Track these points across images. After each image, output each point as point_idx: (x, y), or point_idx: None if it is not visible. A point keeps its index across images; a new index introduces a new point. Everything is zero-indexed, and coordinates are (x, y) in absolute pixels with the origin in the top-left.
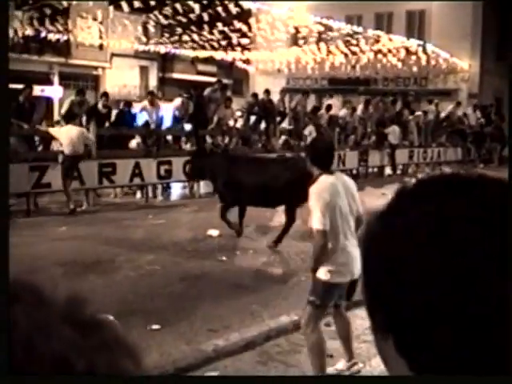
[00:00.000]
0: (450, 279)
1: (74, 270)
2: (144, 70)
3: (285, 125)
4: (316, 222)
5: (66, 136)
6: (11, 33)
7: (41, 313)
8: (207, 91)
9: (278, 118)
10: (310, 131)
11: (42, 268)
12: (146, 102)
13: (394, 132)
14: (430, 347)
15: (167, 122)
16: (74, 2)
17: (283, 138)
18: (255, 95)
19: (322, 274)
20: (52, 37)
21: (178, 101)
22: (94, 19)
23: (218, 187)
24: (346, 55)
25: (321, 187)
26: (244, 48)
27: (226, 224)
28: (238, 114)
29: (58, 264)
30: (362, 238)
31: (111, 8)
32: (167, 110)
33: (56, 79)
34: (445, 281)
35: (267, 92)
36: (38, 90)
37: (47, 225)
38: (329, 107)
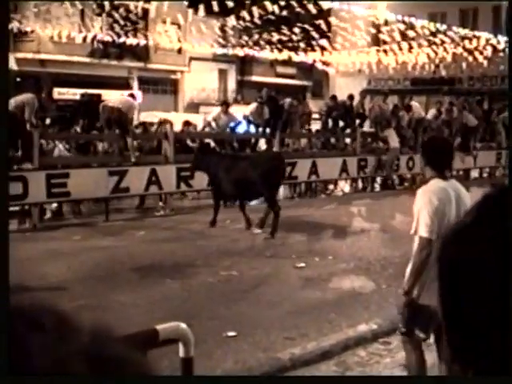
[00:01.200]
0: None
1: (151, 274)
2: (223, 73)
3: (365, 128)
4: (422, 227)
5: None
6: (90, 38)
7: (62, 346)
8: (287, 104)
9: (358, 121)
10: (389, 133)
11: (120, 272)
12: (218, 110)
13: None
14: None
15: (243, 127)
16: (153, 6)
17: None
18: (334, 97)
19: (417, 296)
20: (131, 41)
21: (252, 106)
22: (173, 23)
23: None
24: (429, 54)
25: (431, 190)
26: (324, 49)
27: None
28: (316, 116)
29: (136, 268)
30: (440, 253)
31: (190, 11)
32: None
33: (135, 84)
34: None
35: (351, 98)
36: (117, 96)
37: (125, 229)
38: (408, 108)
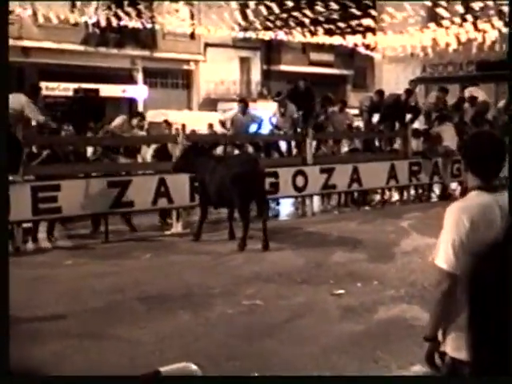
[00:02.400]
0: None
1: (159, 305)
2: (245, 63)
3: (417, 124)
4: (441, 256)
5: None
6: (84, 21)
7: None
8: (329, 112)
9: (409, 116)
10: (443, 130)
11: (122, 303)
12: (235, 110)
13: None
14: None
15: (266, 128)
16: None
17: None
18: (380, 93)
19: (449, 345)
20: (134, 25)
21: (275, 106)
22: (185, 2)
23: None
24: (500, 30)
25: (463, 207)
26: (367, 30)
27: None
28: (355, 111)
29: (141, 298)
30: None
31: None
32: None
33: (140, 76)
34: None
35: (408, 93)
36: (118, 91)
37: (128, 251)
38: (472, 100)
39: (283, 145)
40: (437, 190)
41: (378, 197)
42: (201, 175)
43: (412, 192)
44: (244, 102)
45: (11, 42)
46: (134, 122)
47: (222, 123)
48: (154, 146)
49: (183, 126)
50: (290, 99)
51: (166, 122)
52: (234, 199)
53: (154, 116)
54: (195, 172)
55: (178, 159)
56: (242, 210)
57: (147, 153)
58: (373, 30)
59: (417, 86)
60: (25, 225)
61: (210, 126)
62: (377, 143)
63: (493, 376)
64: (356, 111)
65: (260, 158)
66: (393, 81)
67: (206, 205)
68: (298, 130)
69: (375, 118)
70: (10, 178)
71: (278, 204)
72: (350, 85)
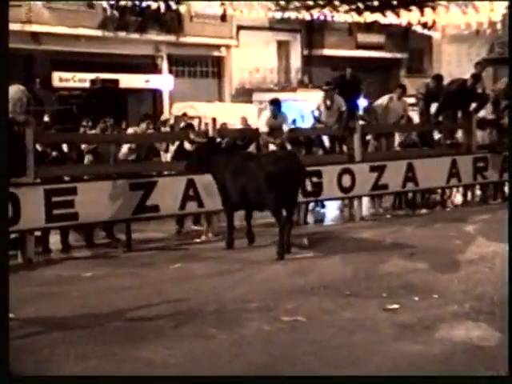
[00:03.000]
0: None
1: (188, 321)
2: (283, 47)
3: (483, 113)
4: None
5: None
6: (103, 4)
7: None
8: (384, 100)
9: (474, 105)
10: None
11: (145, 320)
12: (267, 115)
13: None
14: None
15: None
16: None
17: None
18: (438, 78)
19: None
20: (157, 6)
21: (320, 98)
22: None
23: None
24: None
25: None
26: (424, 5)
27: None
28: (411, 100)
29: (168, 314)
30: None
31: None
32: (314, 104)
33: (164, 65)
34: None
35: (475, 78)
36: (140, 81)
37: (153, 262)
38: None
39: (325, 141)
40: (507, 189)
41: (437, 198)
42: (221, 175)
43: (477, 192)
44: (276, 103)
45: (19, 26)
46: (143, 126)
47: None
48: (175, 145)
49: (213, 119)
50: (337, 90)
51: (184, 115)
52: (268, 201)
53: (180, 109)
54: (213, 171)
55: (191, 157)
56: (277, 213)
57: (168, 154)
58: (431, 6)
59: (484, 69)
60: (37, 233)
61: (244, 119)
62: (436, 136)
63: (493, 376)
64: (412, 100)
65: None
66: (454, 63)
67: (231, 208)
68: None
69: (433, 107)
70: (27, 180)
71: (322, 207)
72: (403, 70)
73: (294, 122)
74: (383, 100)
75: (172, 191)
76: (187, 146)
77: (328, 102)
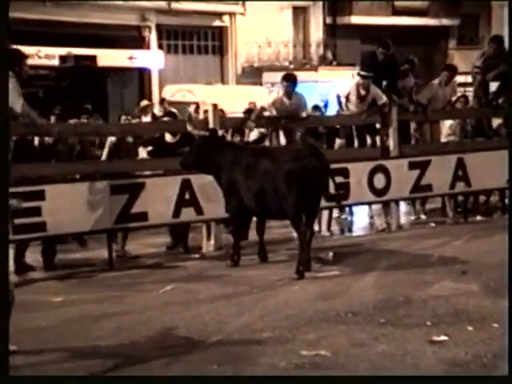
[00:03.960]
0: None
1: (183, 358)
2: (300, 15)
3: None
4: None
5: None
6: None
7: None
8: (433, 89)
9: None
10: None
11: (130, 357)
12: (279, 94)
13: None
14: None
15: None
16: None
17: None
18: (497, 40)
19: None
20: None
21: (349, 85)
22: None
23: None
24: None
25: None
26: None
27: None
28: (462, 79)
29: (157, 348)
30: None
31: None
32: (338, 87)
33: (153, 38)
34: None
35: None
36: (123, 58)
37: (141, 283)
38: None
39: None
40: None
41: (494, 201)
42: (228, 175)
43: None
44: (290, 80)
45: None
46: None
47: (262, 110)
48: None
49: (215, 106)
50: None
51: (163, 100)
52: (287, 207)
53: (174, 93)
54: (215, 170)
55: (186, 153)
56: (297, 222)
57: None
58: None
59: None
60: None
61: (253, 105)
62: (495, 124)
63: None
64: (463, 78)
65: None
66: None
67: (239, 215)
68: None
69: (493, 87)
70: None
71: (350, 214)
72: (453, 40)
73: (316, 108)
74: (430, 90)
75: (163, 195)
76: (168, 138)
77: (363, 92)
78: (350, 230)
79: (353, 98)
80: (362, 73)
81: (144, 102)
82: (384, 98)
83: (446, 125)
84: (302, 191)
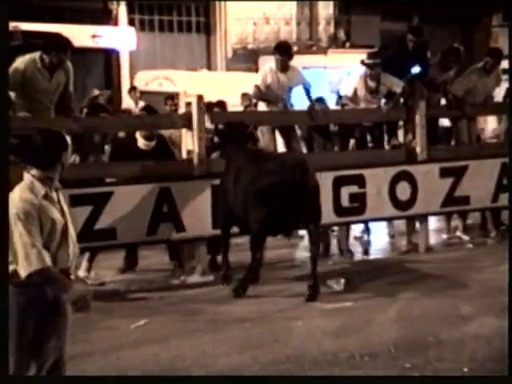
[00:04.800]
0: None
1: None
2: None
3: None
4: None
5: None
6: None
7: None
8: (471, 79)
9: None
10: None
11: None
12: (268, 67)
13: None
14: None
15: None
16: None
17: None
18: None
19: None
20: None
21: (353, 79)
22: None
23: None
24: None
25: None
26: None
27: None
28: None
29: None
30: None
31: None
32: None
33: (122, 11)
34: None
35: None
36: (85, 36)
37: (107, 317)
38: None
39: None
40: None
41: None
42: (223, 176)
43: None
44: (284, 51)
45: None
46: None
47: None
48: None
49: (199, 97)
50: (386, 67)
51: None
52: (250, 222)
53: (148, 82)
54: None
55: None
56: (255, 243)
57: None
58: None
59: None
60: None
61: (247, 97)
62: None
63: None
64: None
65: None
66: None
67: (228, 229)
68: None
69: None
70: None
71: (367, 231)
72: (498, 16)
73: (320, 100)
74: (468, 80)
75: (136, 207)
76: (141, 143)
77: (372, 84)
78: (367, 252)
79: (362, 92)
80: (367, 61)
81: (95, 92)
82: (399, 86)
83: (489, 128)
84: (271, 210)
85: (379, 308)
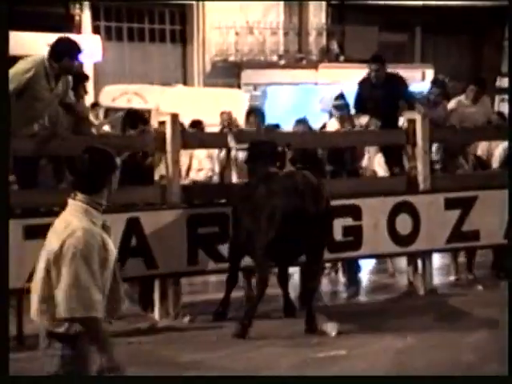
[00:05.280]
0: None
1: None
2: None
3: None
4: None
5: None
6: None
7: None
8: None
9: None
10: None
11: None
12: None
13: None
14: None
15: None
16: None
17: None
18: None
19: None
20: None
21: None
22: None
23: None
24: None
25: None
26: None
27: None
28: None
29: None
30: None
31: None
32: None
33: (86, 17)
34: None
35: None
36: (42, 44)
37: None
38: None
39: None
40: None
41: None
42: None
43: None
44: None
45: None
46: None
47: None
48: None
49: (174, 116)
50: (360, 105)
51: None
52: (256, 246)
53: (115, 97)
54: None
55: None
56: (261, 269)
57: None
58: None
59: None
60: None
61: (227, 116)
62: None
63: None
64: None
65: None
66: None
67: (237, 259)
68: None
69: None
70: None
71: (356, 269)
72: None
73: (301, 121)
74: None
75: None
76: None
77: (346, 126)
78: (357, 293)
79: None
80: (335, 103)
81: None
82: (378, 124)
83: (496, 154)
84: (281, 235)
85: (375, 358)
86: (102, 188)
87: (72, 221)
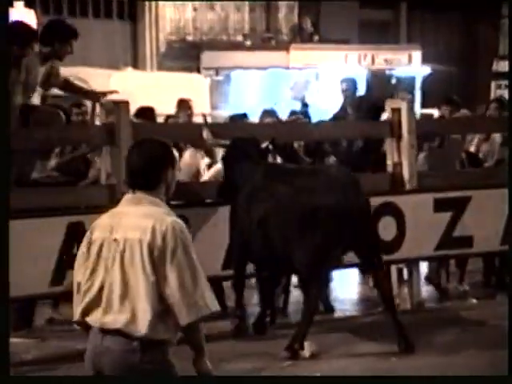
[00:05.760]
0: None
1: None
2: None
3: None
4: None
5: None
6: None
7: None
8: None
9: None
10: None
11: None
12: None
13: None
14: None
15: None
16: None
17: None
18: None
19: None
20: None
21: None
22: None
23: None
24: None
25: None
26: None
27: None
28: None
29: None
30: None
31: None
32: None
33: None
34: None
35: None
36: None
37: None
38: None
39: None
40: None
41: None
42: (233, 205)
43: None
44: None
45: None
46: None
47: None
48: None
49: (124, 104)
50: None
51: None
52: (300, 256)
53: None
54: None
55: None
56: (314, 281)
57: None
58: None
59: None
60: None
61: (185, 103)
62: None
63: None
64: None
65: None
66: None
67: (243, 266)
68: None
69: None
70: None
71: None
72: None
73: (268, 112)
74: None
75: (36, 248)
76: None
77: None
78: (331, 308)
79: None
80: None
81: None
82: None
83: (486, 149)
84: (328, 238)
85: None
86: (159, 184)
87: (159, 214)
